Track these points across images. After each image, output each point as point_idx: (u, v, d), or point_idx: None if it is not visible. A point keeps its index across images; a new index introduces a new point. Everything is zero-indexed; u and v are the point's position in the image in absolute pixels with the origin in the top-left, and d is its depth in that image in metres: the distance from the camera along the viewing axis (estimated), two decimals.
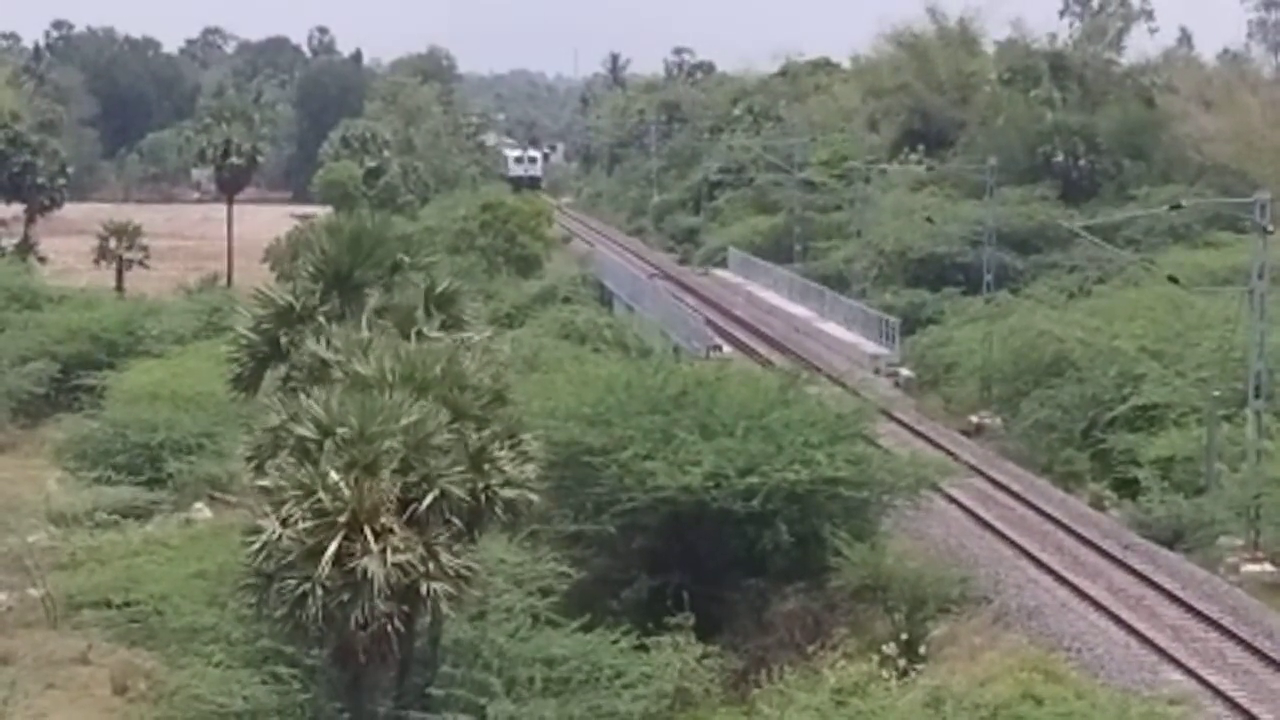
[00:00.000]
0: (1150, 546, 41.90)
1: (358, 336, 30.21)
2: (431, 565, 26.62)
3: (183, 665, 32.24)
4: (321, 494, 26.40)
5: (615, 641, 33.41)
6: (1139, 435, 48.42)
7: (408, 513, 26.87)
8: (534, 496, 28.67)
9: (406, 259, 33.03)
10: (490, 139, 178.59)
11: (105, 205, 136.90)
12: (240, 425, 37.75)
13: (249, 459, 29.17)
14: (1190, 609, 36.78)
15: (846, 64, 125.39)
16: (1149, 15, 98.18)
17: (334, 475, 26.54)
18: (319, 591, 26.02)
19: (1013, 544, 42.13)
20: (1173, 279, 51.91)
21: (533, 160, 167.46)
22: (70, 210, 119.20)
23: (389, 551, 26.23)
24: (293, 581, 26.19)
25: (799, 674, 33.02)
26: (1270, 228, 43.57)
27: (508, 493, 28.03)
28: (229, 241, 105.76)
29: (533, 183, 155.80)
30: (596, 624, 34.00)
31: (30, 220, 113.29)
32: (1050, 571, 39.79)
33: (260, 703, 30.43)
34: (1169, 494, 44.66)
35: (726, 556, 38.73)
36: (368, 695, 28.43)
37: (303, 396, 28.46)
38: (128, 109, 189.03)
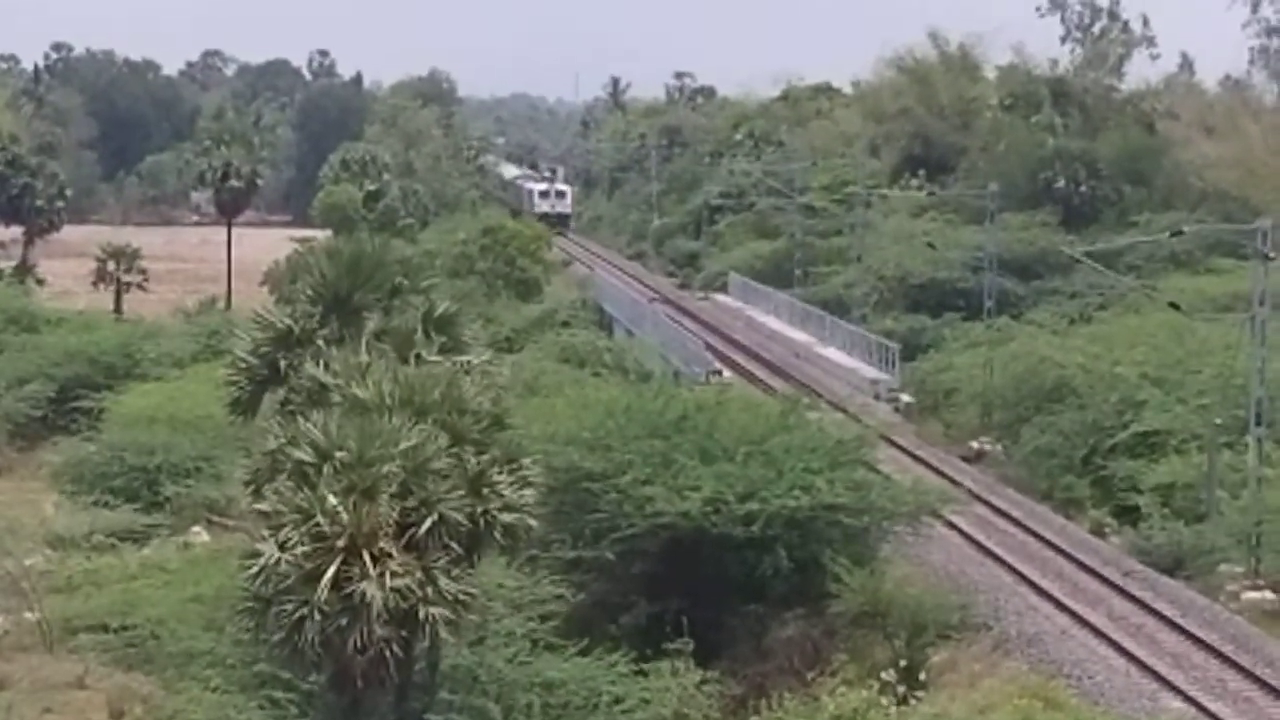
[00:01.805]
0: (1150, 573, 41.79)
1: (356, 360, 30.15)
2: (430, 590, 26.53)
3: (179, 690, 32.15)
4: (320, 518, 26.33)
5: (614, 666, 33.40)
6: (1140, 462, 48.32)
7: (406, 537, 26.79)
8: (533, 521, 28.60)
9: (406, 282, 33.03)
10: (509, 170, 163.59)
11: (104, 227, 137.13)
12: (238, 449, 37.72)
13: (247, 483, 29.11)
14: (1190, 636, 36.65)
15: (848, 89, 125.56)
16: (1150, 41, 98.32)
17: (332, 499, 26.46)
18: (317, 616, 25.93)
19: (1013, 570, 42.01)
20: (1174, 305, 51.85)
21: (561, 195, 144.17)
22: (69, 232, 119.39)
23: (387, 576, 26.16)
24: (290, 606, 26.10)
25: (798, 700, 32.96)
26: (1272, 254, 43.51)
27: (507, 517, 27.95)
28: (228, 264, 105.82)
29: (562, 221, 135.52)
30: (595, 649, 33.99)
31: (29, 242, 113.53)
32: (1050, 598, 39.67)
33: None
34: (1169, 521, 44.55)
35: (726, 582, 38.64)
36: None
37: (301, 420, 28.39)
38: (127, 131, 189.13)
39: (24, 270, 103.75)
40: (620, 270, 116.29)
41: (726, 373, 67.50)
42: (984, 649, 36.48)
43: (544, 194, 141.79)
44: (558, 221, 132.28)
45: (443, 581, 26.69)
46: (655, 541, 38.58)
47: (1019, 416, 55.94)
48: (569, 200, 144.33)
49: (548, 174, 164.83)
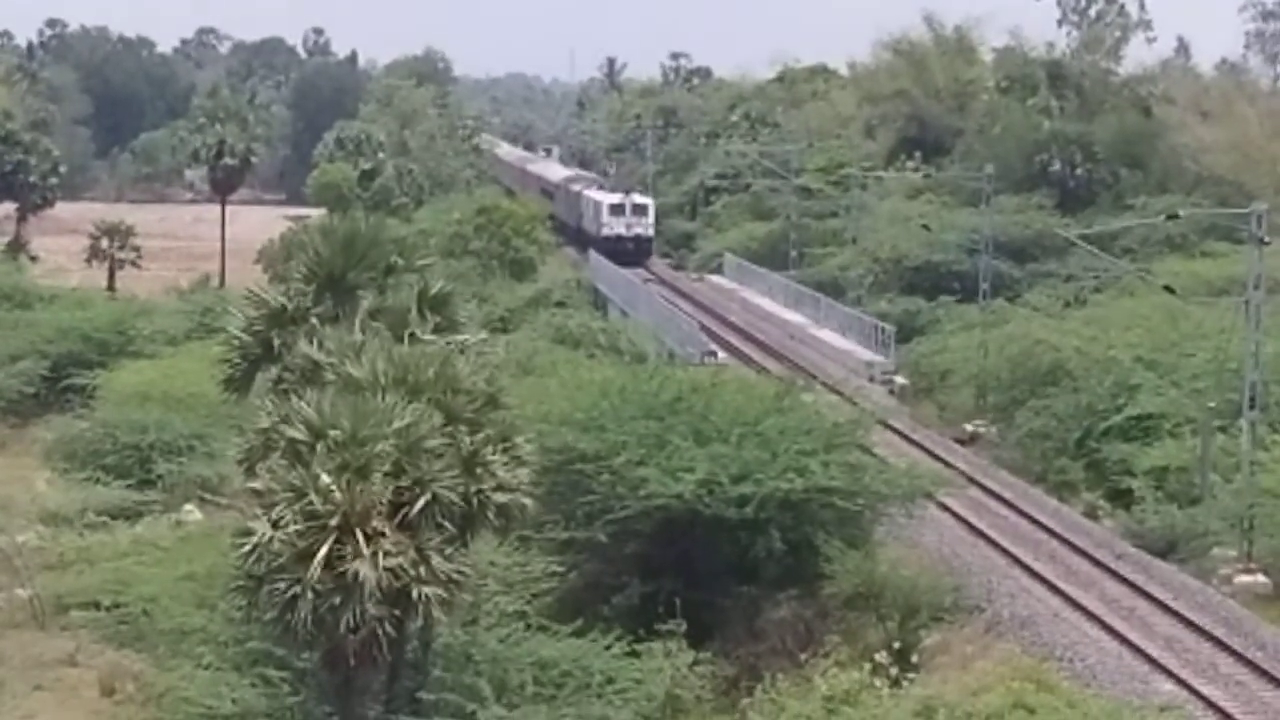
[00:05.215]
0: (1143, 557, 41.84)
1: (350, 339, 30.07)
2: (423, 569, 26.48)
3: (171, 667, 32.15)
4: (313, 497, 26.26)
5: (607, 647, 33.39)
6: (1133, 445, 48.38)
7: (399, 516, 26.72)
8: (527, 501, 28.54)
9: (400, 261, 32.88)
10: (555, 169, 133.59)
11: (98, 205, 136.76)
12: (231, 427, 37.65)
13: (240, 461, 29.03)
14: (1183, 620, 36.70)
15: (844, 70, 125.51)
16: (1147, 25, 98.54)
17: (325, 478, 26.39)
18: (309, 595, 25.88)
19: (1006, 553, 42.02)
20: (1169, 289, 51.90)
21: (640, 210, 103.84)
22: (62, 209, 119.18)
23: (380, 555, 26.09)
24: (283, 584, 26.05)
25: (790, 682, 32.94)
26: (1266, 238, 43.50)
27: (500, 497, 27.89)
28: (222, 242, 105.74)
29: (640, 248, 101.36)
30: (588, 629, 33.99)
31: (22, 219, 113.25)
32: (1043, 581, 39.69)
33: (249, 705, 30.31)
34: (1163, 504, 44.62)
35: (719, 563, 38.63)
36: (358, 699, 28.29)
37: (295, 398, 28.32)
38: (121, 108, 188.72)
39: (17, 247, 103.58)
40: None
41: (721, 354, 67.46)
42: (976, 631, 36.51)
43: (616, 209, 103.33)
44: (634, 248, 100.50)
45: (436, 561, 26.65)
46: (648, 522, 38.55)
47: (1013, 399, 56.01)
48: (651, 218, 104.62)
49: (543, 151, 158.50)
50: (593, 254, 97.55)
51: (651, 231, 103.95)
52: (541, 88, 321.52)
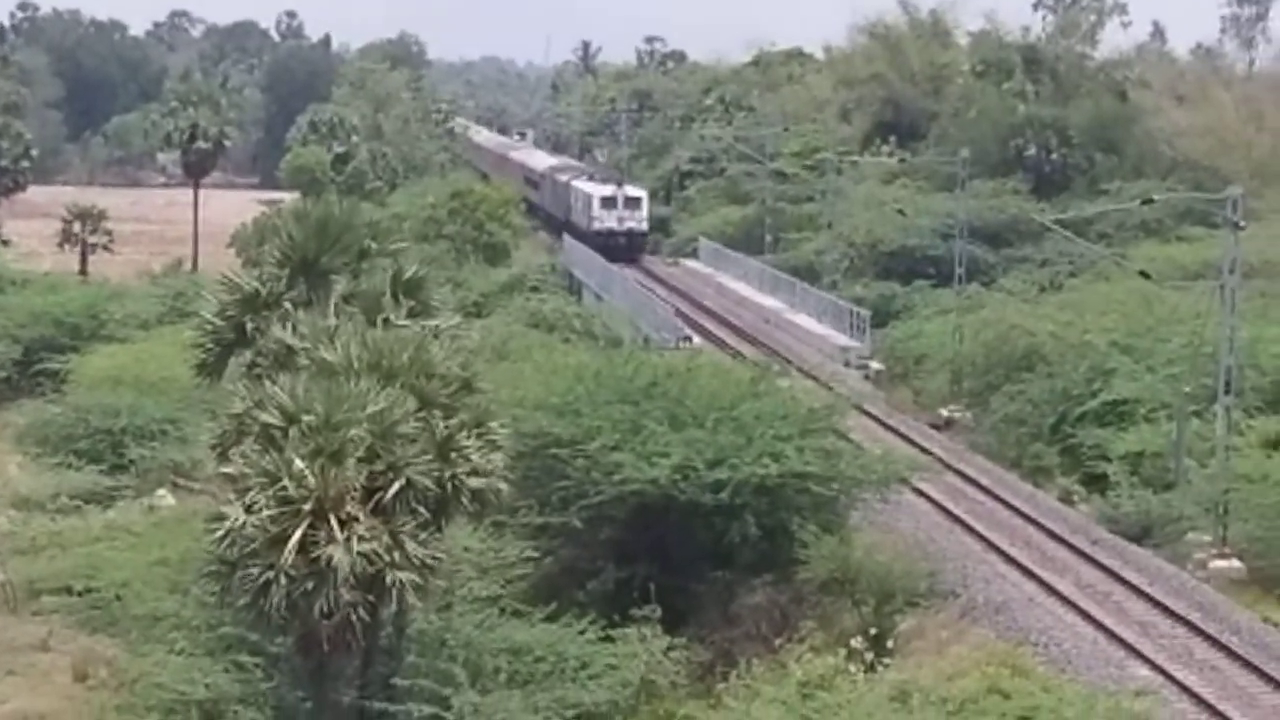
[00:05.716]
0: (1118, 542, 41.85)
1: (324, 323, 29.95)
2: (397, 554, 26.40)
3: (144, 653, 32.02)
4: (286, 481, 26.16)
5: (581, 632, 33.36)
6: (1108, 430, 48.42)
7: (373, 501, 26.64)
8: (501, 486, 28.47)
9: (374, 245, 32.79)
10: (539, 157, 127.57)
11: (69, 188, 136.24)
12: (204, 411, 37.55)
13: (213, 445, 28.92)
14: (1158, 604, 36.72)
15: (819, 54, 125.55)
16: (1122, 9, 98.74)
17: (299, 463, 26.29)
18: (283, 580, 25.81)
19: (981, 538, 42.01)
20: (1144, 274, 51.93)
21: (633, 203, 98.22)
22: (34, 193, 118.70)
23: (354, 540, 26.02)
24: (256, 569, 25.97)
25: (765, 667, 32.92)
26: (1242, 223, 43.51)
27: (475, 482, 27.82)
28: (194, 226, 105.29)
29: (632, 243, 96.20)
30: (562, 614, 33.97)
31: None
32: (1018, 566, 39.69)
33: (222, 691, 30.22)
34: (1138, 489, 44.67)
35: (694, 548, 38.56)
36: (331, 684, 28.23)
37: (268, 383, 28.22)
38: (93, 92, 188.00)
39: None
40: None
41: (696, 339, 67.33)
42: (952, 616, 36.49)
43: (608, 202, 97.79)
44: (627, 243, 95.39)
45: (410, 546, 26.56)
46: (623, 508, 38.46)
47: (989, 384, 56.03)
48: (644, 211, 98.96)
49: (518, 135, 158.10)
50: (567, 238, 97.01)
51: (645, 226, 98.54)
52: (516, 71, 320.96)
